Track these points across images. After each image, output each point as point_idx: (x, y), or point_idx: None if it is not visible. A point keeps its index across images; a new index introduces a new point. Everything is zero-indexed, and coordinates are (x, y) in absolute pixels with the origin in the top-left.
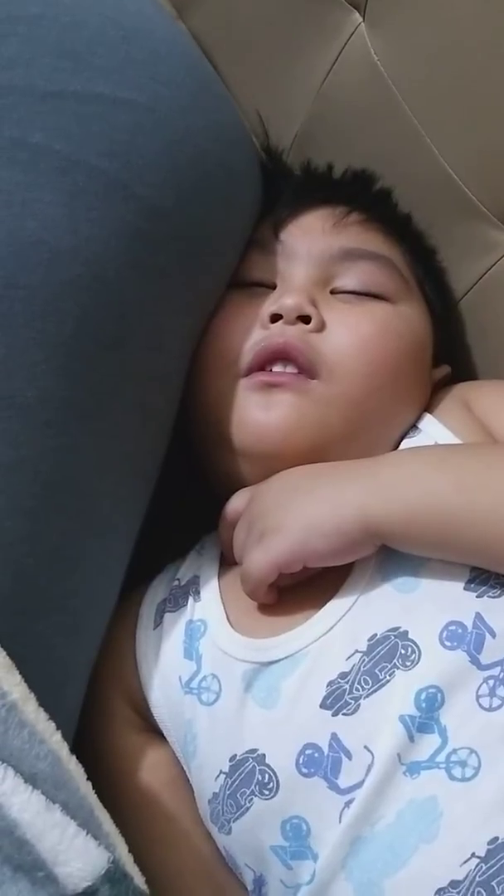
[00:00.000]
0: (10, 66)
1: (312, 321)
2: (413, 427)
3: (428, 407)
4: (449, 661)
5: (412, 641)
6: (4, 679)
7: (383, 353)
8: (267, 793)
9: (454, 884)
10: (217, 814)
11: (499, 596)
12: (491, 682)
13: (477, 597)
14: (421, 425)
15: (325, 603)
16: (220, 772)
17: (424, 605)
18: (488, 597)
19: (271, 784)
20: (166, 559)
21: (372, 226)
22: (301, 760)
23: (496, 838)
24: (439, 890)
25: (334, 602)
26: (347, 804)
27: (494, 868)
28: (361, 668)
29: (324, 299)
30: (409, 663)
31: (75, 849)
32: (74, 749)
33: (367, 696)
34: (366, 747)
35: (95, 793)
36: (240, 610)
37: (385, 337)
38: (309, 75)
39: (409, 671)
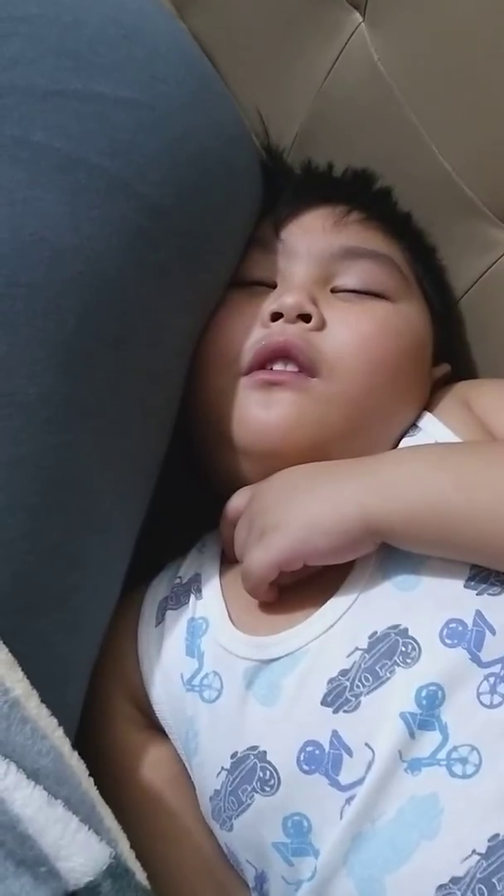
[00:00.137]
0: (12, 66)
1: (313, 320)
2: (413, 425)
3: (428, 405)
4: (449, 658)
5: (412, 639)
6: (7, 675)
7: (383, 352)
8: (268, 789)
9: (455, 880)
10: (218, 810)
11: (499, 593)
12: (492, 680)
13: (477, 594)
14: (421, 424)
15: (326, 601)
16: (222, 768)
17: (425, 602)
18: (488, 594)
19: (272, 781)
20: (167, 557)
21: (372, 224)
22: (302, 757)
23: (497, 835)
24: (440, 886)
25: (335, 600)
26: (348, 801)
27: (495, 865)
28: (362, 666)
29: (324, 298)
30: (409, 661)
31: (77, 844)
32: (76, 746)
33: (368, 693)
34: (366, 744)
35: (97, 789)
36: (241, 608)
37: (385, 335)
38: (309, 74)
39: (410, 668)
